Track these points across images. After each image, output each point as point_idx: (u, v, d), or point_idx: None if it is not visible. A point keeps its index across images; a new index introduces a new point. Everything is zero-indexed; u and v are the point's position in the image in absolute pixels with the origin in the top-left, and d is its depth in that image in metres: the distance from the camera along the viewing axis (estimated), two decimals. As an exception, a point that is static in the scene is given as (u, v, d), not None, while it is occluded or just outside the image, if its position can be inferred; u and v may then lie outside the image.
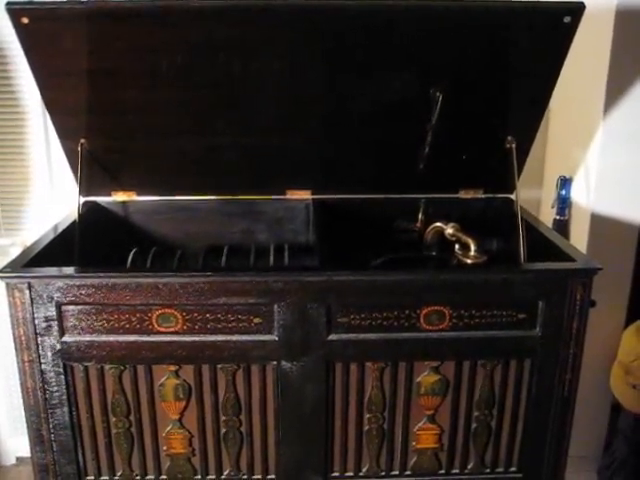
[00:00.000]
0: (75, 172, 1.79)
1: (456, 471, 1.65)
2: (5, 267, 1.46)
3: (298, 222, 2.00)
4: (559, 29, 1.56)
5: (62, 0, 1.98)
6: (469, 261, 1.68)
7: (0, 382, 2.43)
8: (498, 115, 1.79)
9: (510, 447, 1.63)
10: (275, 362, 1.51)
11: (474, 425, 1.61)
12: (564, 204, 2.18)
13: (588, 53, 1.97)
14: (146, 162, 1.84)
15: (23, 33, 1.52)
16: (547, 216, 2.24)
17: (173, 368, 1.52)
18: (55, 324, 1.46)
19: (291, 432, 1.57)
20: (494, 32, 1.60)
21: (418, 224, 1.93)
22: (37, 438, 1.55)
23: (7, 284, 1.44)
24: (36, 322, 1.46)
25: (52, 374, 1.50)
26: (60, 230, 1.74)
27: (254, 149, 1.82)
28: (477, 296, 1.50)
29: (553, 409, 1.58)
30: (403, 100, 1.73)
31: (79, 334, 1.48)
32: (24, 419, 1.55)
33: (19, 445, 2.48)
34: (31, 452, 1.57)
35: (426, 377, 1.56)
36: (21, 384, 1.51)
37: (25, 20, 1.49)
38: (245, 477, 1.62)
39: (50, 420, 1.53)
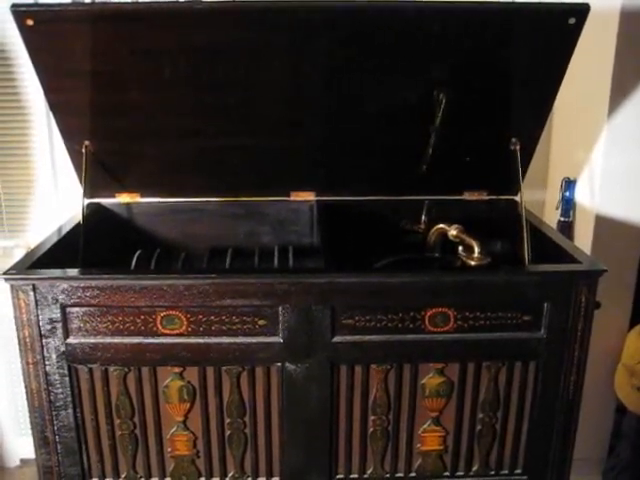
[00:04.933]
0: (79, 174, 1.79)
1: (461, 473, 1.65)
2: (10, 269, 1.46)
3: (302, 224, 2.00)
4: (564, 30, 1.56)
5: (66, 2, 1.99)
6: (473, 263, 1.68)
7: (4, 384, 2.43)
8: (502, 117, 1.79)
9: (515, 449, 1.63)
10: (280, 364, 1.51)
11: (479, 427, 1.61)
12: (568, 206, 2.18)
13: (592, 54, 1.96)
14: (150, 164, 1.85)
15: (28, 35, 1.53)
16: (551, 218, 2.24)
17: (178, 370, 1.52)
18: (60, 326, 1.46)
19: (296, 434, 1.56)
20: (498, 33, 1.60)
21: (422, 226, 1.93)
22: (41, 440, 1.55)
23: (12, 286, 1.44)
24: (41, 324, 1.46)
25: (56, 376, 1.50)
26: (64, 232, 1.74)
27: (258, 151, 1.82)
28: (482, 298, 1.50)
29: (558, 411, 1.58)
30: (407, 102, 1.73)
31: (83, 336, 1.48)
32: (28, 421, 1.55)
33: (23, 447, 2.49)
34: (35, 454, 1.57)
35: (431, 379, 1.56)
36: (25, 386, 1.51)
37: (30, 22, 1.50)
38: (249, 479, 1.62)
39: (54, 422, 1.53)
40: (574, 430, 1.61)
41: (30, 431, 1.56)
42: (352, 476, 1.63)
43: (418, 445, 1.61)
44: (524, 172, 1.85)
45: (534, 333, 1.52)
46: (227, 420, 1.57)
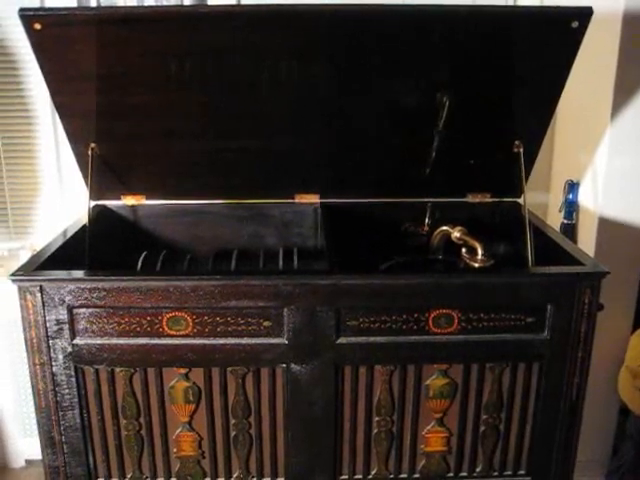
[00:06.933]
0: (85, 176, 1.81)
1: (464, 474, 1.66)
2: (17, 270, 1.47)
3: (307, 226, 2.01)
4: (567, 34, 1.57)
5: (73, 6, 2.01)
6: (476, 265, 1.69)
7: (11, 385, 2.44)
8: (506, 119, 1.79)
9: (518, 450, 1.64)
10: (284, 365, 1.52)
11: (482, 428, 1.61)
12: (571, 208, 2.19)
13: (595, 57, 1.97)
14: (155, 166, 1.86)
15: (35, 39, 1.54)
16: (554, 220, 2.24)
17: (183, 371, 1.53)
18: (66, 327, 1.47)
19: (300, 435, 1.57)
20: (502, 37, 1.61)
21: (425, 228, 1.94)
22: (48, 440, 1.56)
23: (19, 287, 1.45)
24: (47, 325, 1.47)
25: (63, 377, 1.51)
26: (70, 234, 1.75)
27: (263, 153, 1.83)
28: (485, 300, 1.51)
29: (561, 412, 1.58)
30: (411, 104, 1.74)
31: (90, 337, 1.49)
32: (34, 421, 1.56)
33: (28, 447, 2.50)
34: (42, 454, 1.58)
35: (435, 380, 1.57)
36: (32, 387, 1.52)
37: (37, 26, 1.51)
38: (254, 479, 1.63)
39: (61, 422, 1.54)
40: (577, 431, 1.61)
41: (36, 432, 1.57)
42: (356, 477, 1.64)
43: (422, 446, 1.62)
44: (527, 174, 1.86)
45: (537, 335, 1.53)
46: (232, 421, 1.58)
